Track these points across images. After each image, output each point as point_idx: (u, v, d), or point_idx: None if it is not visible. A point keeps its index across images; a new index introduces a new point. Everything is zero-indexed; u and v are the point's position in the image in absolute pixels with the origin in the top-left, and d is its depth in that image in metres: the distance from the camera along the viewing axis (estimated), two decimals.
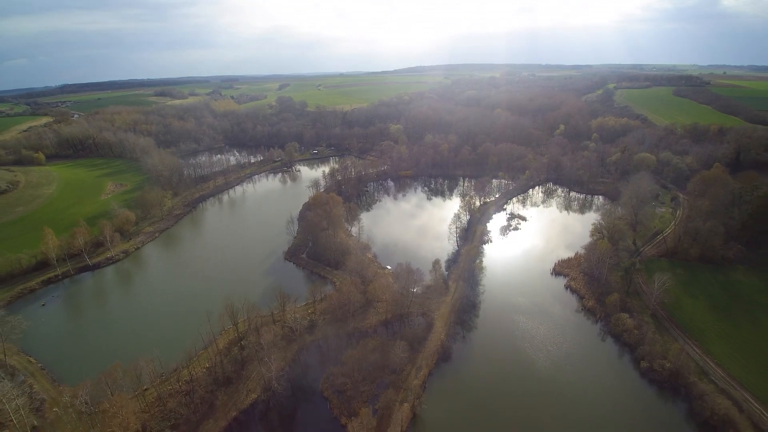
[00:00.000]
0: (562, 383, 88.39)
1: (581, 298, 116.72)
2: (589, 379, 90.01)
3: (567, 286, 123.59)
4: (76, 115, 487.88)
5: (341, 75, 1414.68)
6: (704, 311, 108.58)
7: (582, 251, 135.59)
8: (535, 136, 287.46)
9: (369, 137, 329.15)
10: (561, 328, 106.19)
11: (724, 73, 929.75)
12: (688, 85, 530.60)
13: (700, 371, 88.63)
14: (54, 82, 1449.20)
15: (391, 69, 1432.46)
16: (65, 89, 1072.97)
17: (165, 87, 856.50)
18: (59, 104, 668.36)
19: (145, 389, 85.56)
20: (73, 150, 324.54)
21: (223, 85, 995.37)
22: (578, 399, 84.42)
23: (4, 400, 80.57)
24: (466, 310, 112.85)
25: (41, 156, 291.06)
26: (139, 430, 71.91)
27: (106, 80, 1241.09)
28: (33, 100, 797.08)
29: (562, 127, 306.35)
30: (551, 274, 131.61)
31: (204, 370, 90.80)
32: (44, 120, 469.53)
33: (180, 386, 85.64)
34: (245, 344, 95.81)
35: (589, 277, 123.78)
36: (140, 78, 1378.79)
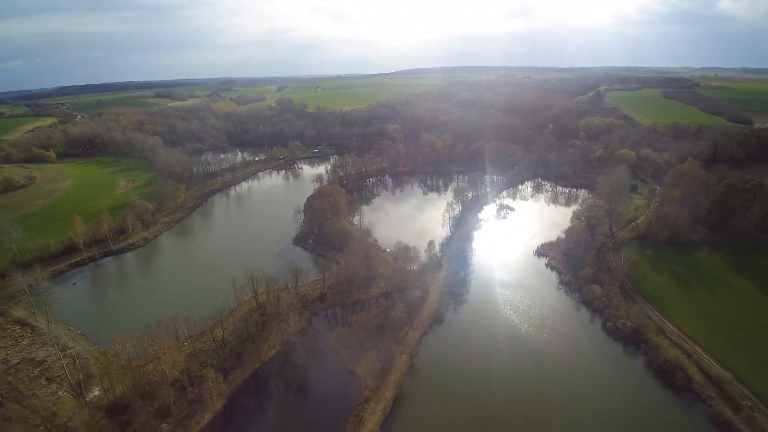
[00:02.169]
0: (541, 343, 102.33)
1: (560, 273, 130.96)
2: (564, 339, 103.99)
3: (548, 265, 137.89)
4: (78, 116, 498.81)
5: (339, 77, 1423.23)
6: (667, 283, 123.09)
7: (563, 235, 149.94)
8: (526, 135, 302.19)
9: (368, 137, 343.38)
10: (541, 298, 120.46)
11: (716, 75, 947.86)
12: (677, 87, 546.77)
13: (658, 329, 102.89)
14: (50, 84, 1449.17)
15: (389, 71, 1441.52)
16: (63, 91, 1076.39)
17: (164, 89, 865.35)
18: (59, 106, 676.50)
19: (179, 347, 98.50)
20: (82, 149, 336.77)
21: (222, 87, 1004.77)
22: (554, 355, 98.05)
23: (59, 355, 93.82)
24: (458, 285, 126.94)
25: (52, 154, 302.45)
26: (184, 369, 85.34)
27: (103, 82, 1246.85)
28: (32, 102, 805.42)
29: (550, 126, 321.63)
30: (534, 254, 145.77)
31: (229, 332, 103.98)
32: (49, 121, 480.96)
33: (211, 344, 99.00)
34: (265, 310, 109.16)
35: (568, 256, 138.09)
36: (137, 80, 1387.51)
